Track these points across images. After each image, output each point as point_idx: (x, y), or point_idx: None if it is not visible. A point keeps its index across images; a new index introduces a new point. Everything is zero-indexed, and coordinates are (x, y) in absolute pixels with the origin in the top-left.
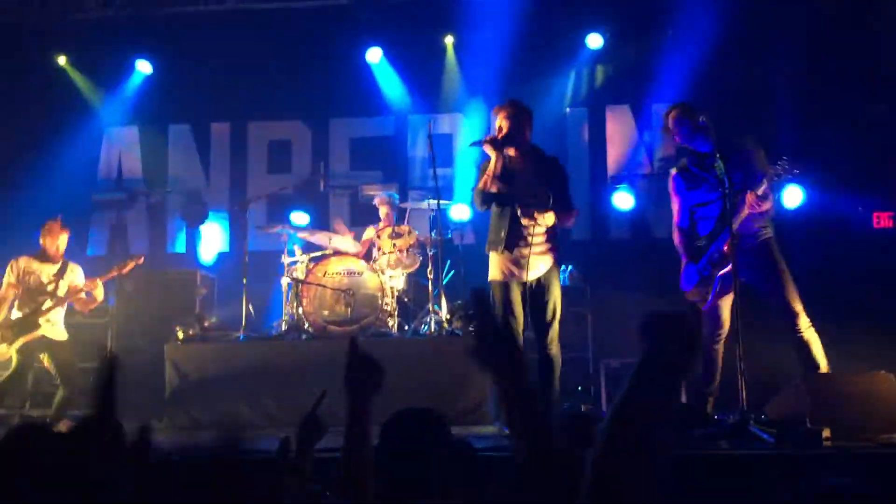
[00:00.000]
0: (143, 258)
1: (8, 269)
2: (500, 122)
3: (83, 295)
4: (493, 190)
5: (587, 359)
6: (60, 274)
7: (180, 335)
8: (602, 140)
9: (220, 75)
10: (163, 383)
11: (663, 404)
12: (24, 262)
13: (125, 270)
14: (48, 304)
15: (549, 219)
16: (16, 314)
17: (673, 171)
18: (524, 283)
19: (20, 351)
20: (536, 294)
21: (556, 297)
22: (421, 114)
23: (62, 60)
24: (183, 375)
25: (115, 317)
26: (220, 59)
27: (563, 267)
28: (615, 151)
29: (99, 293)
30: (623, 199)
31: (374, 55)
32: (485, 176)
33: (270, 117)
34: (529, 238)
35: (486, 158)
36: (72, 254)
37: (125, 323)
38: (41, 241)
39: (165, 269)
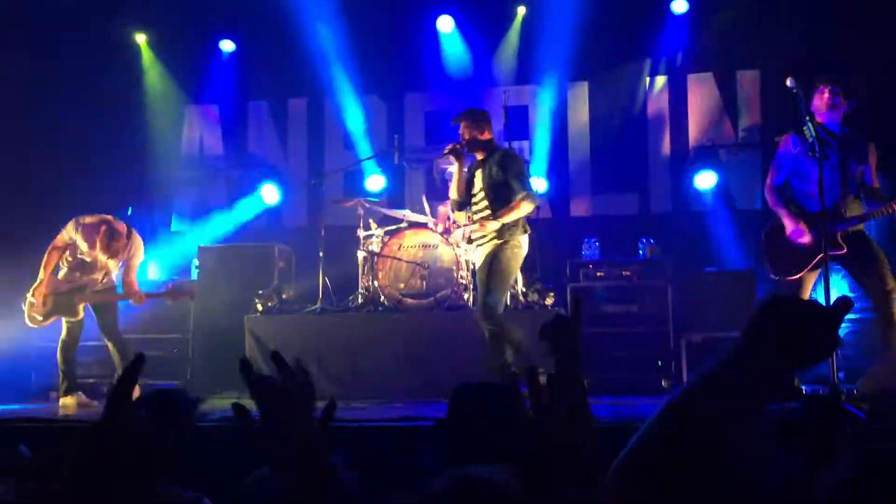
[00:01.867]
0: (194, 294)
1: (71, 225)
2: (461, 131)
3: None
4: (455, 196)
5: (667, 333)
6: (119, 258)
7: (259, 307)
8: (683, 109)
9: (296, 52)
10: (243, 354)
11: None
12: (77, 226)
13: (176, 298)
14: (93, 289)
15: (493, 225)
16: (60, 281)
17: (790, 134)
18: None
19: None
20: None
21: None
22: (496, 86)
23: (141, 39)
24: (262, 346)
25: (198, 290)
26: (297, 36)
27: (642, 239)
28: (697, 121)
29: (136, 303)
30: (706, 180)
31: (445, 24)
32: (451, 184)
33: (345, 91)
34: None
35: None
36: (155, 231)
37: (207, 295)
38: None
39: (245, 243)
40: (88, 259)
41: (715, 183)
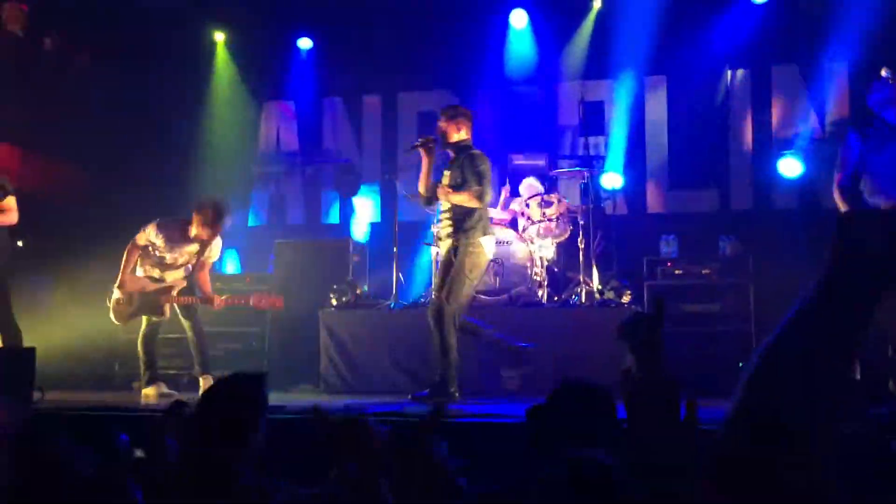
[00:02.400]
0: (282, 302)
1: (151, 227)
2: (440, 124)
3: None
4: (421, 190)
5: (749, 332)
6: (200, 253)
7: (334, 302)
8: (766, 102)
9: (371, 48)
10: (318, 348)
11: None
12: (159, 229)
13: (259, 306)
14: (178, 289)
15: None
16: (144, 280)
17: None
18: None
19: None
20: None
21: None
22: (570, 81)
23: (220, 38)
24: (337, 341)
25: (274, 284)
26: (371, 32)
27: (723, 236)
28: (781, 114)
29: (216, 305)
30: (790, 166)
31: (518, 19)
32: (420, 177)
33: (419, 87)
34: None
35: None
36: (231, 226)
37: (283, 290)
38: (193, 225)
39: (320, 238)
40: (169, 259)
41: (801, 172)
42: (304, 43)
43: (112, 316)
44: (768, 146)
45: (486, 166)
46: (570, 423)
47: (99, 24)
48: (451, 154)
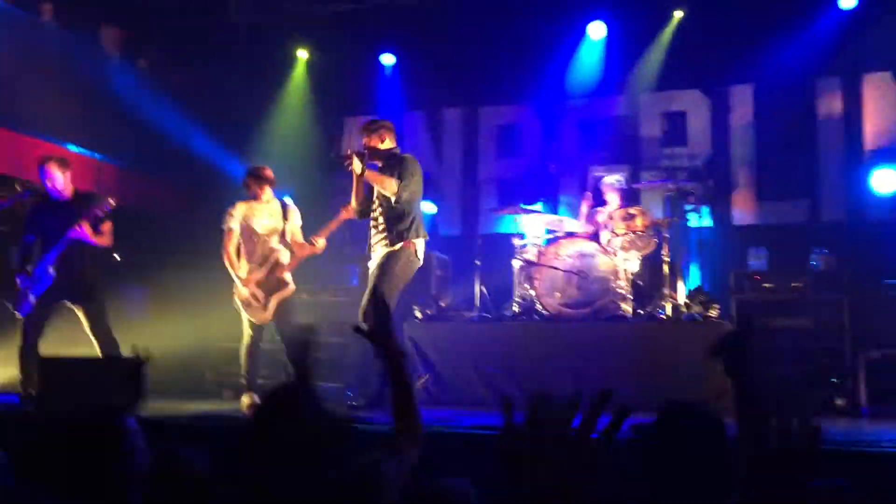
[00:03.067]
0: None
1: (233, 214)
2: (363, 139)
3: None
4: (353, 204)
5: (843, 349)
6: (283, 215)
7: (418, 314)
8: (858, 112)
9: (451, 62)
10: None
11: None
12: (241, 205)
13: (341, 219)
14: (283, 260)
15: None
16: (251, 268)
17: None
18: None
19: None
20: None
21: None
22: (652, 92)
23: (303, 55)
24: (421, 353)
25: (358, 296)
26: (453, 47)
27: (814, 249)
28: (874, 124)
29: (320, 245)
30: (885, 179)
31: (596, 31)
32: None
33: (500, 102)
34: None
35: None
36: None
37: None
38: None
39: None
40: (260, 230)
41: None
42: (387, 59)
43: (252, 318)
44: (860, 156)
45: (414, 167)
46: (679, 446)
47: (188, 41)
48: (380, 164)
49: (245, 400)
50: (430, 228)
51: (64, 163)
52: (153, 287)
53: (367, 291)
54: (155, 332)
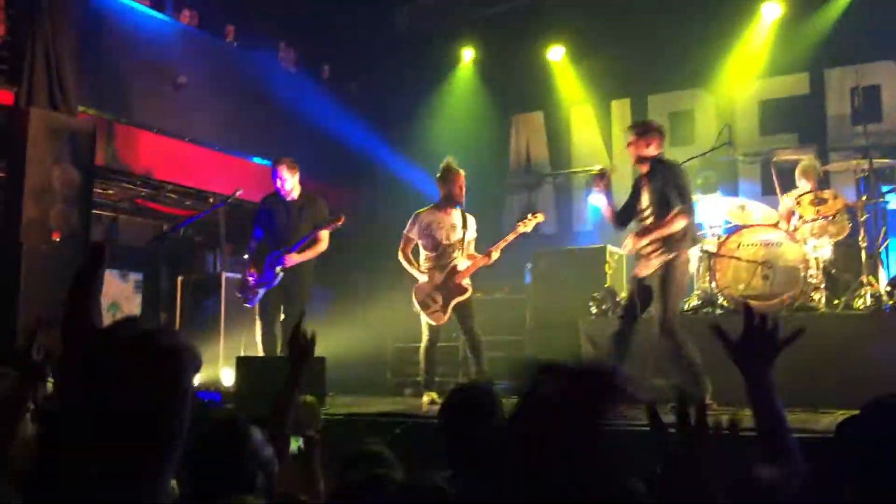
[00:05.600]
0: (543, 214)
1: (415, 223)
2: (628, 142)
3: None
4: (610, 219)
5: None
6: (463, 224)
7: (594, 310)
8: None
9: (618, 53)
10: (579, 357)
11: None
12: (425, 214)
13: (529, 228)
14: (462, 261)
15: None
16: (430, 273)
17: None
18: None
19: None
20: None
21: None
22: (840, 66)
23: (469, 54)
24: (598, 349)
25: (532, 293)
26: (626, 37)
27: None
28: None
29: (492, 257)
30: None
31: (772, 9)
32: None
33: (669, 88)
34: None
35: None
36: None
37: (541, 299)
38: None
39: (574, 246)
40: (442, 238)
41: None
42: (554, 53)
43: (431, 321)
44: None
45: (682, 175)
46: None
47: (360, 49)
48: (645, 169)
49: (425, 398)
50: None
51: (293, 165)
52: (338, 289)
53: (659, 304)
54: (339, 333)
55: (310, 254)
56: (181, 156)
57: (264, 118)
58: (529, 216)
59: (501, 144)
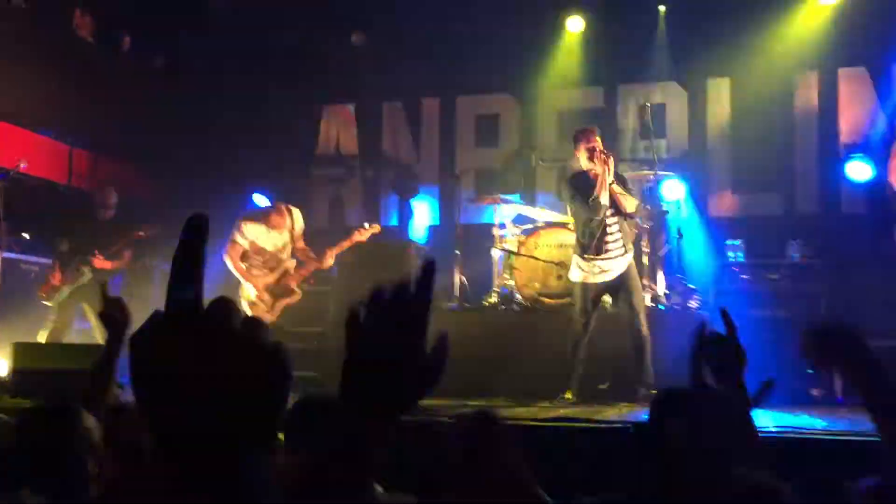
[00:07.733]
0: (379, 227)
1: (240, 229)
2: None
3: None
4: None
5: None
6: (291, 232)
7: None
8: (833, 105)
9: (429, 51)
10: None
11: None
12: (251, 226)
13: (364, 238)
14: (293, 268)
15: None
16: (263, 276)
17: None
18: None
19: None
20: None
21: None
22: (630, 84)
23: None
24: None
25: (336, 286)
26: (430, 34)
27: (792, 241)
28: (849, 118)
29: (328, 262)
30: (859, 170)
31: (575, 23)
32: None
33: (478, 91)
34: None
35: None
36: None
37: (346, 292)
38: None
39: (380, 241)
40: (270, 248)
41: (871, 176)
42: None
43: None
44: (835, 148)
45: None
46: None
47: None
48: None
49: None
50: (407, 219)
51: None
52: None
53: (639, 299)
54: None
55: None
56: None
57: (55, 89)
58: (366, 225)
59: (310, 134)
